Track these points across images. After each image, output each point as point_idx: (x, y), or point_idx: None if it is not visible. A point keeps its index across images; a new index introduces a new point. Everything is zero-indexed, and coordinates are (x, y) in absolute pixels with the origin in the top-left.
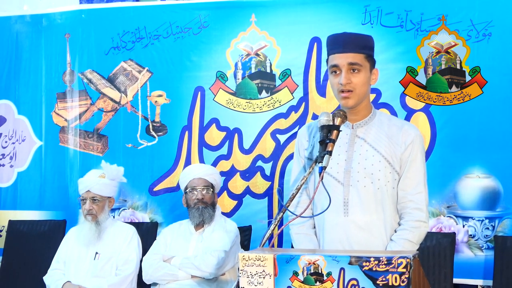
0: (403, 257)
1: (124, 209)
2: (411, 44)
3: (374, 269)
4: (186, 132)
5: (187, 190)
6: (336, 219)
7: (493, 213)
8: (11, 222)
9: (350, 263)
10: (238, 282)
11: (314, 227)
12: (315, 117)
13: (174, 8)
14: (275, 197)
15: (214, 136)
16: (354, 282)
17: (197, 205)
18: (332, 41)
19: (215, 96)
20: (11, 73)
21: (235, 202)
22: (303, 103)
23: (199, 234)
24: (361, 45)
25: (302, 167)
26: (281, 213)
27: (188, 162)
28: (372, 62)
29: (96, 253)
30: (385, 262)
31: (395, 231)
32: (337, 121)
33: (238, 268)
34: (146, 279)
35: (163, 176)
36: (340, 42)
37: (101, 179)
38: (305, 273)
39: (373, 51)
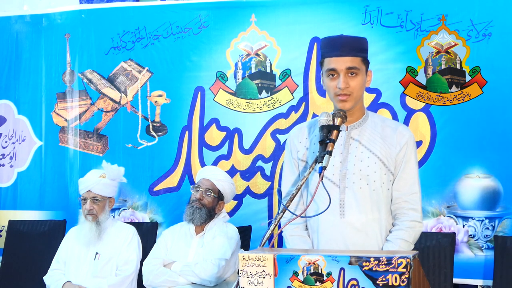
0: (403, 257)
1: (124, 209)
2: (411, 44)
3: (374, 269)
4: (186, 132)
5: (193, 187)
6: (332, 221)
7: (493, 213)
8: (11, 222)
9: (350, 263)
10: (238, 282)
11: (307, 229)
12: (315, 117)
13: (174, 8)
14: (275, 197)
15: (214, 136)
16: (354, 282)
17: (193, 204)
18: (329, 44)
19: (215, 96)
20: (11, 73)
21: (235, 202)
22: (303, 103)
23: (200, 238)
24: (358, 48)
25: (295, 169)
26: (281, 213)
27: (188, 162)
28: (367, 65)
29: (96, 253)
30: (385, 262)
31: (390, 232)
32: (337, 121)
33: (238, 269)
34: (147, 284)
35: (163, 176)
36: (337, 46)
37: (101, 179)
38: (305, 273)
39: (367, 53)
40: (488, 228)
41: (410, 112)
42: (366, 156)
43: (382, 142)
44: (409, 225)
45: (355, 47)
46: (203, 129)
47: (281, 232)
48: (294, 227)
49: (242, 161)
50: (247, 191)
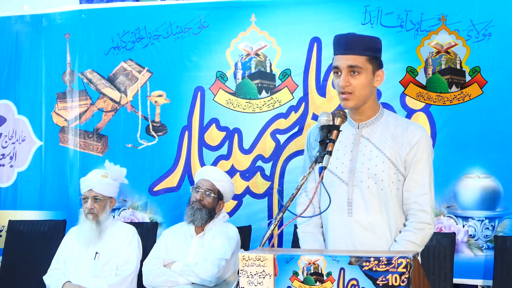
0: (403, 257)
1: (124, 209)
2: (411, 44)
3: (374, 269)
4: (186, 132)
5: (193, 188)
6: (340, 219)
7: (493, 213)
8: (11, 222)
9: (350, 263)
10: (238, 282)
11: (322, 227)
12: (315, 117)
13: (174, 8)
14: (275, 197)
15: (214, 136)
16: (354, 282)
17: (193, 205)
18: (336, 41)
19: (215, 96)
20: (11, 73)
21: (235, 202)
22: (303, 103)
23: (200, 238)
24: (363, 47)
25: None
26: (281, 213)
27: (188, 162)
28: (377, 64)
29: (96, 253)
30: (385, 262)
31: (400, 232)
32: (337, 121)
33: (238, 269)
34: (147, 284)
35: (163, 176)
36: (343, 44)
37: (103, 179)
38: (305, 273)
39: (378, 53)
40: (488, 228)
41: (410, 112)
42: (374, 155)
43: (393, 141)
44: (417, 227)
45: (360, 45)
46: (203, 129)
47: (282, 232)
48: (306, 224)
49: (242, 161)
50: (247, 191)
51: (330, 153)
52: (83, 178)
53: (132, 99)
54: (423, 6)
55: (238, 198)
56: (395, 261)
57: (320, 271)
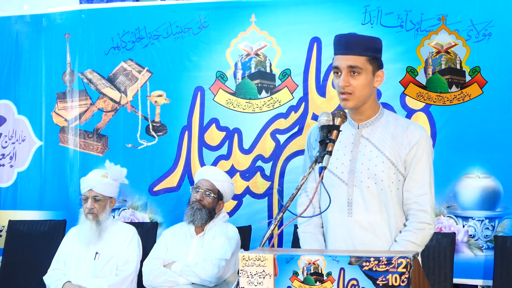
0: (403, 257)
1: (124, 209)
2: (411, 44)
3: (374, 269)
4: (186, 132)
5: (192, 188)
6: (340, 219)
7: (493, 213)
8: (11, 222)
9: (350, 263)
10: (238, 282)
11: (322, 227)
12: (315, 117)
13: (174, 8)
14: (275, 197)
15: (214, 136)
16: (354, 282)
17: (193, 205)
18: (337, 41)
19: (215, 96)
20: (11, 73)
21: (235, 202)
22: (303, 103)
23: (200, 238)
24: (363, 47)
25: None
26: (281, 213)
27: (188, 162)
28: (377, 64)
29: (96, 253)
30: (385, 262)
31: (400, 232)
32: (337, 121)
33: (238, 269)
34: (147, 284)
35: (163, 176)
36: (343, 44)
37: (103, 179)
38: (305, 273)
39: (379, 53)
40: (488, 228)
41: (410, 112)
42: (374, 155)
43: (392, 141)
44: (417, 227)
45: (360, 45)
46: (202, 129)
47: (282, 232)
48: (306, 224)
49: (242, 161)
50: (247, 191)
51: (330, 153)
52: (83, 178)
53: (132, 99)
54: (423, 6)
55: (238, 198)
56: (395, 261)
57: (320, 271)
